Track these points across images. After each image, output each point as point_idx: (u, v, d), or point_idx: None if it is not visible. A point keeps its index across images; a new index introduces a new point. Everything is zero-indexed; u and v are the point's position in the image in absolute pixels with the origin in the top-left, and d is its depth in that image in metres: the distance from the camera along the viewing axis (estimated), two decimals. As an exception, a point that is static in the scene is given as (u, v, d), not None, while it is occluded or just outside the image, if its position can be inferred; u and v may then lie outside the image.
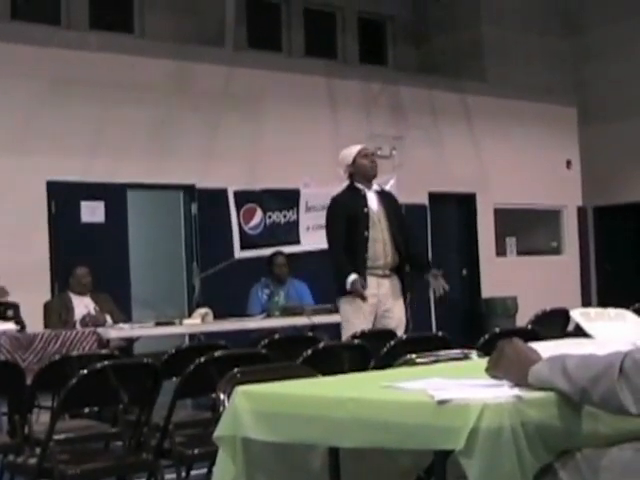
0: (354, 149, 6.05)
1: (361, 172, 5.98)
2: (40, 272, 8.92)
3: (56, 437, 3.78)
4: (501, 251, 12.84)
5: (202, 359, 3.93)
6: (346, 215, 5.86)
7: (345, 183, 6.06)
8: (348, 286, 5.71)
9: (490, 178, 12.43)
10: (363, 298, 5.71)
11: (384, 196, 6.13)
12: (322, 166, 9.53)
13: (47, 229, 9.12)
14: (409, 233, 6.20)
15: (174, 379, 4.13)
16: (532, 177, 12.75)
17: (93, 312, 7.43)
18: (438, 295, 6.01)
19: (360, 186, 5.98)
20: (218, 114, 10.15)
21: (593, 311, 3.06)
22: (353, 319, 5.73)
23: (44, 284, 8.90)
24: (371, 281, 5.80)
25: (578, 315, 3.01)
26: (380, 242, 5.86)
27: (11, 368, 4.41)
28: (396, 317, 5.87)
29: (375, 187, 6.06)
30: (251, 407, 2.33)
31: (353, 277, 5.73)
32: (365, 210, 5.90)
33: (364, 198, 5.94)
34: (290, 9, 12.57)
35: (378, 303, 5.82)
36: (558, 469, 2.01)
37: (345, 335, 5.66)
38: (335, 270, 5.87)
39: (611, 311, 3.05)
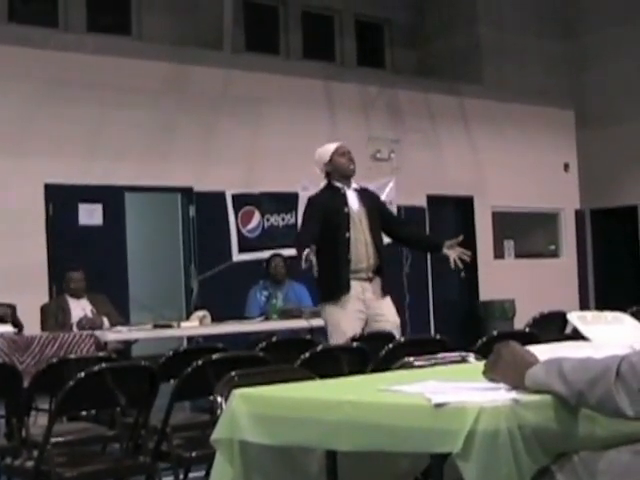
0: (330, 147, 5.80)
1: (339, 170, 5.72)
2: (38, 274, 8.92)
3: (53, 440, 3.77)
4: (499, 254, 12.85)
5: (200, 362, 3.92)
6: (324, 215, 5.60)
7: (323, 182, 5.81)
8: (303, 263, 5.22)
9: (488, 181, 12.45)
10: (308, 262, 5.18)
11: (364, 195, 5.84)
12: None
13: (45, 231, 9.12)
14: (401, 220, 6.02)
15: (172, 382, 4.13)
16: (530, 180, 12.76)
17: (90, 315, 7.43)
18: (462, 265, 5.69)
19: (339, 185, 5.73)
20: (216, 117, 10.16)
21: (590, 314, 3.06)
22: (342, 324, 5.49)
23: (42, 286, 8.90)
24: (355, 285, 5.57)
25: (575, 318, 3.01)
26: (362, 243, 5.64)
27: (8, 370, 4.40)
28: (391, 319, 5.64)
29: (354, 185, 5.81)
30: (248, 410, 2.33)
31: (307, 250, 5.25)
32: (345, 210, 5.64)
33: (344, 197, 5.69)
34: (288, 12, 12.58)
35: (366, 309, 5.60)
36: (555, 472, 2.01)
37: (334, 341, 5.43)
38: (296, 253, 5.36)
39: (608, 314, 3.06)
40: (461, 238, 5.83)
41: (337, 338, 5.38)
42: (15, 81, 8.98)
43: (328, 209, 5.64)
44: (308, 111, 10.90)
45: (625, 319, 3.08)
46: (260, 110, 10.48)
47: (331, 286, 5.59)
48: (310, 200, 5.82)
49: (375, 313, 5.63)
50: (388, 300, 5.72)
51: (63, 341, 6.47)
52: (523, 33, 13.29)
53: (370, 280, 5.66)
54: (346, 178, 5.76)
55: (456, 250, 5.72)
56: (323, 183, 5.82)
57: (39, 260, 8.98)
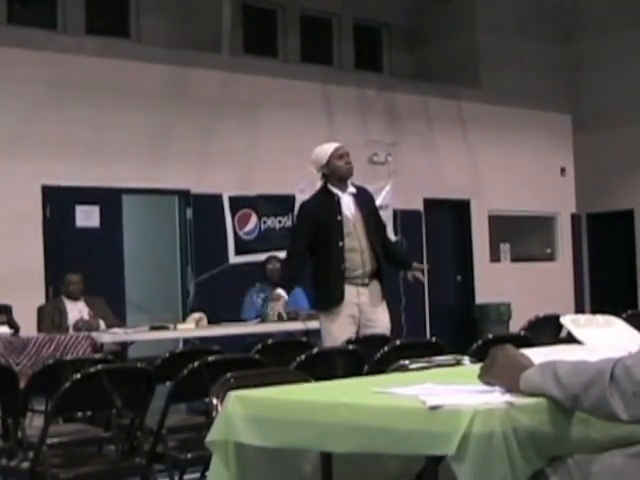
0: (328, 148, 5.59)
1: (336, 174, 5.54)
2: (35, 276, 8.91)
3: (49, 441, 3.78)
4: (495, 257, 12.86)
5: (196, 364, 3.93)
6: (317, 224, 5.50)
7: (319, 184, 5.65)
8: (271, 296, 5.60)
9: (484, 184, 12.46)
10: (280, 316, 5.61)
11: (360, 198, 5.66)
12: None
13: (42, 233, 9.11)
14: (384, 232, 6.03)
15: (168, 383, 4.14)
16: (526, 184, 12.78)
17: (86, 317, 7.43)
18: (410, 280, 5.99)
19: (334, 190, 5.55)
20: (214, 119, 10.16)
21: (583, 317, 3.07)
22: (335, 331, 5.43)
23: (39, 288, 8.89)
24: (350, 290, 5.48)
25: (568, 321, 3.02)
26: (357, 252, 5.51)
27: (4, 372, 4.40)
28: (380, 325, 5.56)
29: (351, 189, 5.61)
30: (244, 412, 2.33)
31: (279, 291, 5.59)
32: (339, 218, 5.49)
33: (338, 204, 5.52)
34: (286, 15, 12.59)
35: (360, 314, 5.52)
36: (549, 475, 2.01)
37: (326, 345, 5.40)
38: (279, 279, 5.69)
39: (600, 318, 3.07)
40: (426, 267, 6.40)
41: (329, 344, 5.33)
42: (14, 83, 8.98)
43: (321, 217, 5.53)
44: (306, 114, 10.91)
45: (616, 322, 3.10)
46: (258, 113, 10.49)
47: (324, 296, 5.55)
48: (302, 207, 5.73)
49: (367, 318, 5.55)
50: (383, 307, 5.65)
51: (59, 342, 6.47)
52: (521, 37, 13.31)
53: (366, 285, 5.57)
54: (343, 181, 5.62)
55: (417, 272, 5.97)
56: (319, 184, 5.67)
57: (36, 262, 8.98)
